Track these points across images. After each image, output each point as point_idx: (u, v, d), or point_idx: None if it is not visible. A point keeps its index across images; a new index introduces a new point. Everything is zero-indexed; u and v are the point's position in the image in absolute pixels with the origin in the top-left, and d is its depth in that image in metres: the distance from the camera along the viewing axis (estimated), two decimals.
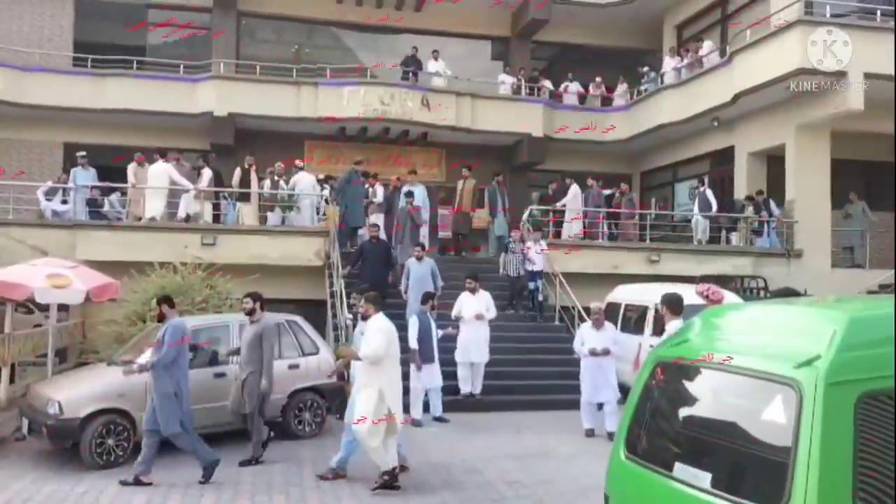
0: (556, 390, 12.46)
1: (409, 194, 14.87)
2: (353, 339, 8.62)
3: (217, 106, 18.67)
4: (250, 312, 8.57)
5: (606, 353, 10.13)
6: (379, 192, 16.34)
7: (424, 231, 15.59)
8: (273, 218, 15.84)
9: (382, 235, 14.66)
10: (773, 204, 16.76)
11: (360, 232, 15.06)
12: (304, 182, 16.07)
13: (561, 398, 12.01)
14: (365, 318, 7.80)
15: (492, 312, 11.77)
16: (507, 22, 22.12)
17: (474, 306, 11.63)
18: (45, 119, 18.96)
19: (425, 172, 20.76)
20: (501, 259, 14.90)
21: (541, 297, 14.55)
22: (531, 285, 14.58)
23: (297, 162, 16.87)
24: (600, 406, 10.38)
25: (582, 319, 13.42)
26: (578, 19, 21.76)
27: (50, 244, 13.87)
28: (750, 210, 16.63)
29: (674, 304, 7.26)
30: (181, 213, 15.23)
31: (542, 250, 14.63)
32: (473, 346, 11.59)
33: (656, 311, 11.55)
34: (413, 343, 10.38)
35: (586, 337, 10.24)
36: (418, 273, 12.63)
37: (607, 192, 17.94)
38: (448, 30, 21.63)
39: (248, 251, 14.59)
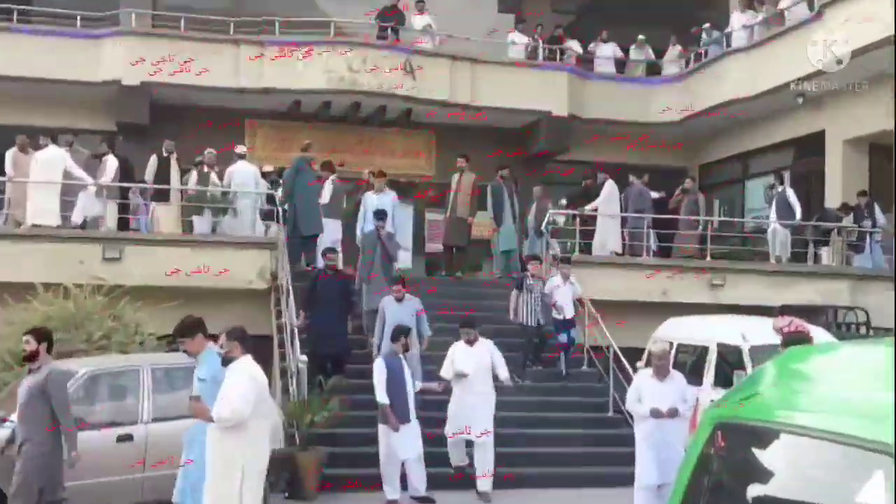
0: (584, 460, 12.25)
1: (381, 214, 14.23)
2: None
3: (126, 72, 18.49)
4: (30, 357, 8.19)
5: (674, 414, 9.62)
6: (326, 190, 16.13)
7: (407, 257, 15.58)
8: (201, 224, 15.75)
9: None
10: (878, 210, 16.79)
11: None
12: (244, 175, 16.03)
13: (592, 471, 11.80)
14: (226, 361, 7.47)
15: (502, 370, 11.38)
16: None
17: (473, 359, 11.25)
18: None
19: (408, 163, 20.85)
20: (513, 299, 13.93)
21: (571, 352, 14.32)
22: (560, 338, 14.21)
23: (238, 148, 16.91)
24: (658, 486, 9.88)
25: (618, 363, 13.55)
26: None
27: None
28: (848, 219, 16.69)
29: None
30: (76, 218, 15.14)
31: (573, 293, 14.24)
32: (472, 418, 11.14)
33: (720, 353, 11.59)
34: (381, 396, 10.38)
35: (646, 391, 9.81)
36: (397, 317, 12.16)
37: (655, 194, 18.03)
38: None
39: (167, 269, 14.54)
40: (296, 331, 12.71)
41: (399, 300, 12.49)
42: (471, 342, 11.35)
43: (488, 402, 11.28)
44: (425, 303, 13.15)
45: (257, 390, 7.32)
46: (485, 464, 11.19)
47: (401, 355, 10.68)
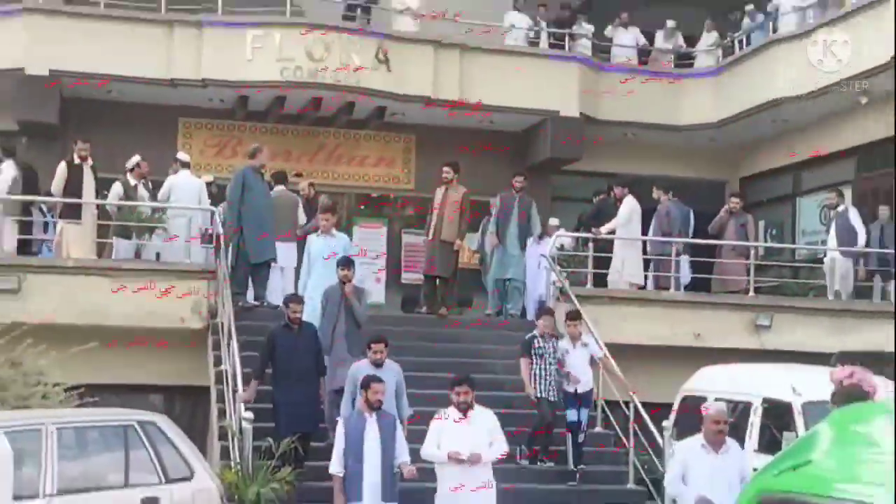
0: None
1: (346, 262, 13.40)
2: None
3: (30, 59, 18.37)
4: None
5: None
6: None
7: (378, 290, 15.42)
8: (123, 248, 15.73)
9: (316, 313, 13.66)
10: None
11: (275, 281, 15.21)
12: (188, 189, 16.13)
13: None
14: None
15: (499, 447, 10.44)
16: None
17: (467, 439, 10.21)
18: None
19: (381, 173, 20.97)
20: (523, 369, 13.28)
21: (581, 437, 13.42)
22: (569, 416, 13.32)
23: (180, 154, 16.98)
24: None
25: (640, 422, 13.31)
26: None
27: None
28: None
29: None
30: None
31: (591, 354, 13.60)
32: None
33: (765, 410, 11.51)
34: (332, 465, 10.14)
35: (696, 468, 9.46)
36: None
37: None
38: None
39: (79, 303, 14.53)
40: (239, 378, 12.42)
41: (378, 365, 11.51)
42: (464, 408, 10.32)
43: (488, 499, 10.29)
44: (398, 351, 12.90)
45: None
46: None
47: (366, 415, 10.12)
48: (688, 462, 9.52)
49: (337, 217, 15.67)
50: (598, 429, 14.57)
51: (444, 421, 10.34)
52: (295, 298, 13.08)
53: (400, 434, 10.24)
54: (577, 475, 13.26)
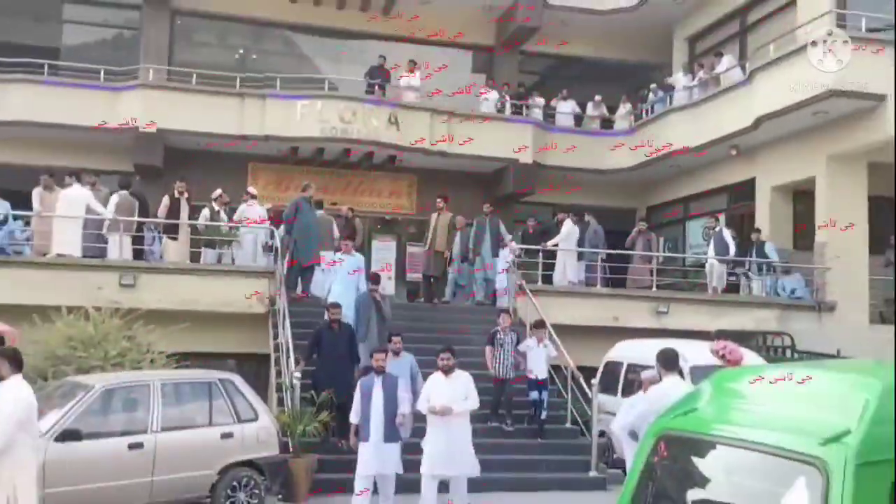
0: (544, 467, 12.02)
1: (375, 278, 13.32)
2: None
3: (143, 120, 18.47)
4: None
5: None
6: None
7: (389, 284, 15.41)
8: (207, 255, 15.61)
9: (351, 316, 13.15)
10: (770, 247, 17.01)
11: (318, 277, 14.92)
12: (254, 213, 15.93)
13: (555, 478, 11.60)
14: None
15: (471, 402, 9.67)
16: (491, 29, 22.29)
17: (448, 393, 9.49)
18: None
19: (392, 202, 20.88)
20: (487, 353, 12.80)
21: (544, 415, 12.94)
22: (531, 396, 12.94)
23: (249, 188, 16.71)
24: None
25: (576, 384, 13.25)
26: (574, 28, 21.77)
27: None
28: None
29: (669, 362, 7.94)
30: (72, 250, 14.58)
31: (546, 356, 13.03)
32: (447, 455, 9.36)
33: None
34: (351, 416, 9.63)
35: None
36: (394, 373, 10.69)
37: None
38: (421, 37, 21.77)
39: (176, 295, 14.38)
40: (290, 349, 12.18)
41: (396, 353, 10.95)
42: (447, 371, 9.62)
43: (463, 438, 9.57)
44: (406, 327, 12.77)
45: (25, 411, 6.78)
46: (461, 498, 9.63)
47: (375, 377, 9.55)
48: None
49: (356, 242, 15.41)
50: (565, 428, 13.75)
51: (432, 381, 9.69)
52: (335, 305, 12.41)
53: (402, 392, 9.60)
54: (539, 439, 12.89)
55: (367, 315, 12.80)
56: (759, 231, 17.30)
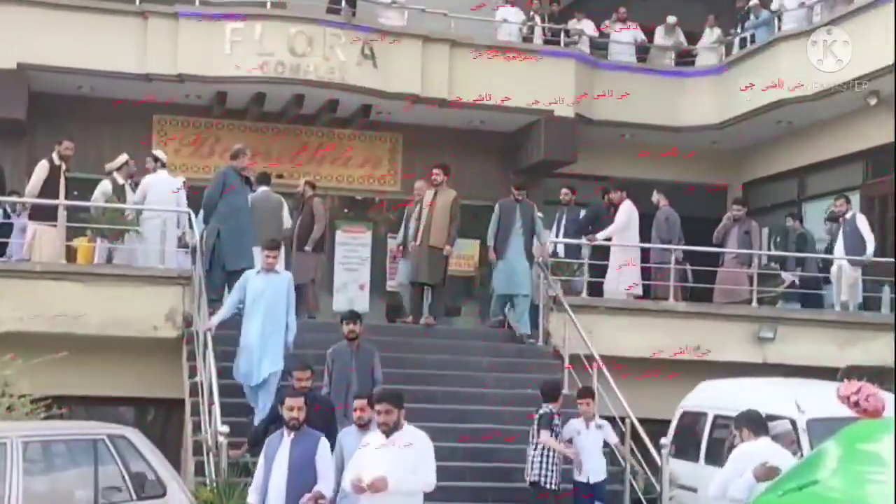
0: None
1: (352, 316, 10.04)
2: None
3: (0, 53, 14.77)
4: None
5: None
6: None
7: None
8: (99, 252, 12.57)
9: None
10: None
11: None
12: (160, 189, 12.61)
13: None
14: None
15: (422, 477, 6.97)
16: None
17: (386, 466, 6.88)
18: None
19: (366, 175, 17.07)
20: (539, 446, 9.38)
21: None
22: None
23: (156, 152, 13.53)
24: None
25: (638, 441, 10.40)
26: None
27: None
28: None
29: (754, 425, 7.24)
30: None
31: (602, 442, 9.72)
32: None
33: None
34: (251, 496, 7.42)
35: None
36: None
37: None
38: None
39: (48, 309, 11.64)
40: (215, 391, 9.37)
41: (361, 426, 8.06)
42: (387, 433, 6.99)
43: None
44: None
45: None
46: None
47: (284, 433, 7.39)
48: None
49: (315, 234, 12.97)
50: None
51: (365, 448, 7.19)
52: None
53: (323, 461, 7.22)
54: None
55: (345, 380, 9.70)
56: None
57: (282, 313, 10.18)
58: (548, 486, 9.21)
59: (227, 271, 11.55)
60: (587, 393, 9.86)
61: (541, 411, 9.31)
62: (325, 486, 7.04)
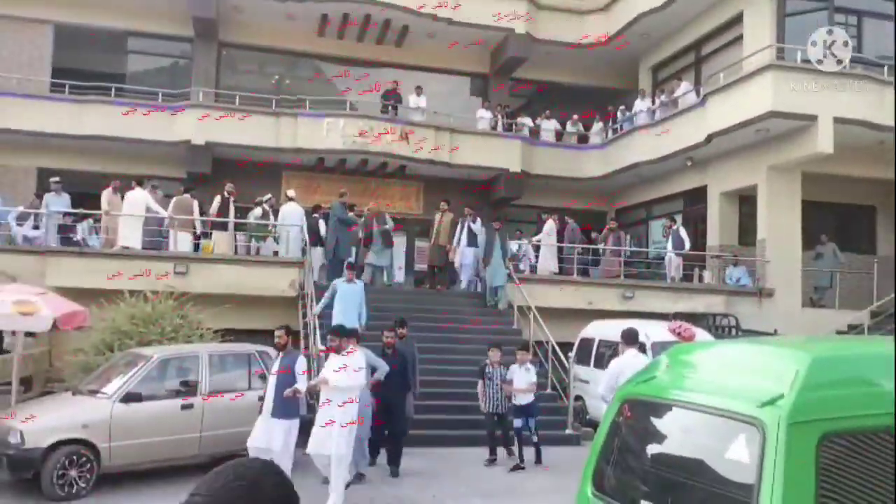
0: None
1: (400, 322, 10.21)
2: None
3: (195, 134, 18.12)
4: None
5: None
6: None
7: (400, 273, 14.22)
8: (253, 248, 15.38)
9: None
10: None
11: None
12: (293, 213, 15.41)
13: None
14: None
15: (356, 377, 7.87)
16: (486, 59, 21.82)
17: (336, 369, 7.87)
18: (20, 144, 18.35)
19: (403, 205, 20.33)
20: (479, 389, 10.30)
21: (535, 438, 10.24)
22: (515, 423, 10.25)
23: (289, 192, 16.28)
24: None
25: (556, 356, 13.03)
26: (557, 58, 21.48)
27: (19, 270, 13.37)
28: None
29: (629, 338, 8.00)
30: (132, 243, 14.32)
31: (527, 379, 10.24)
32: (324, 433, 7.79)
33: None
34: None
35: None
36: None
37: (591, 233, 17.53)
38: (428, 65, 21.41)
39: (222, 281, 13.98)
40: (316, 326, 11.56)
41: (338, 351, 8.13)
42: (335, 350, 8.02)
43: (345, 417, 7.76)
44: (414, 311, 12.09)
45: None
46: (334, 479, 7.84)
47: (278, 354, 8.26)
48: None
49: (387, 224, 15.23)
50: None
51: (326, 365, 8.15)
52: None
53: (298, 369, 7.86)
54: (522, 463, 10.15)
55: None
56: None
57: (356, 307, 11.52)
58: (493, 410, 10.16)
59: (339, 259, 14.44)
60: (522, 347, 10.64)
61: (483, 363, 10.17)
62: (300, 384, 7.80)
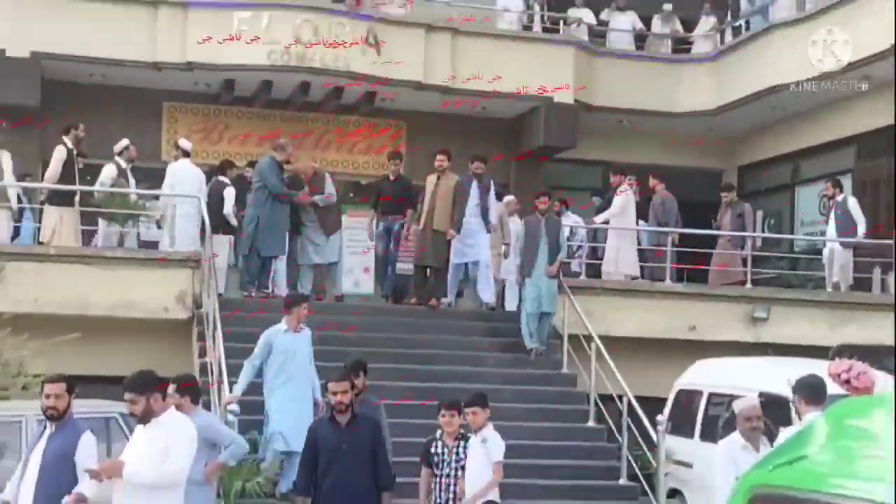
0: None
1: (358, 365, 7.76)
2: None
3: (12, 40, 13.66)
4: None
5: None
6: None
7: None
8: (108, 236, 11.65)
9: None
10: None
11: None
12: (188, 178, 11.61)
13: None
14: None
15: (170, 463, 5.70)
16: None
17: (138, 450, 5.95)
18: None
19: (371, 161, 15.68)
20: (421, 485, 7.29)
21: None
22: None
23: (181, 141, 12.30)
24: None
25: (634, 418, 9.61)
26: None
27: None
28: None
29: (813, 392, 6.08)
30: None
31: (487, 458, 7.15)
32: None
33: (762, 405, 7.84)
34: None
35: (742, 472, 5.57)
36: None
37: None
38: None
39: (62, 291, 10.75)
40: (224, 371, 8.64)
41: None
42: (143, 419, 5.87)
43: None
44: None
45: None
46: None
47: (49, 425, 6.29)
48: (739, 463, 6.41)
49: (329, 198, 11.39)
50: (590, 423, 10.51)
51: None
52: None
53: (82, 457, 5.83)
54: None
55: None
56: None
57: (308, 379, 8.52)
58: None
59: (262, 258, 10.95)
60: (477, 400, 7.11)
61: (429, 440, 7.07)
62: (83, 486, 5.72)
